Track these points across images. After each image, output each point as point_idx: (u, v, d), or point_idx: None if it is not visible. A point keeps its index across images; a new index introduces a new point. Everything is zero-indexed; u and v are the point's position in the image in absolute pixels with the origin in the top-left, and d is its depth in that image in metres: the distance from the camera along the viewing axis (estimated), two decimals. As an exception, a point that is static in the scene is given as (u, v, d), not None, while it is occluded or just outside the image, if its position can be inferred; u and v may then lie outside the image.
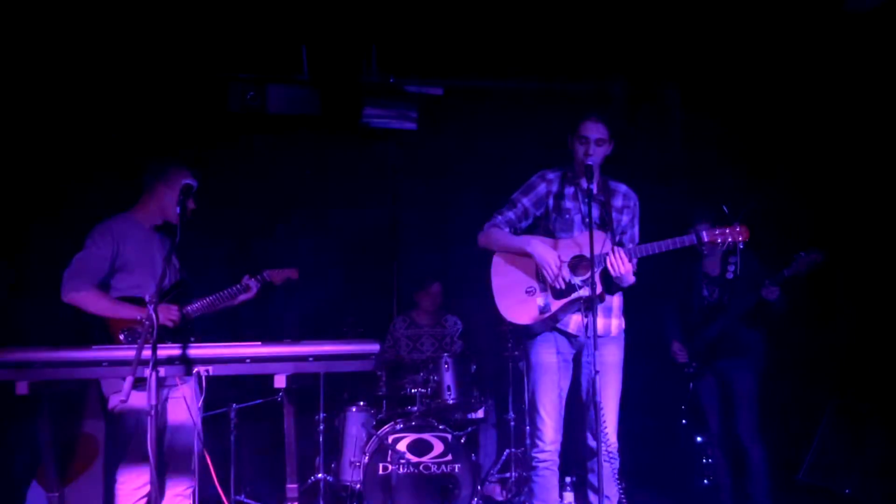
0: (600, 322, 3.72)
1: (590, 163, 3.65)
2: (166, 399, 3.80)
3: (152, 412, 2.84)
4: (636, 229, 3.87)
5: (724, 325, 4.77)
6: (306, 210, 6.02)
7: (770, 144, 5.61)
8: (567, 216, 3.78)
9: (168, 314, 3.73)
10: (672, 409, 5.32)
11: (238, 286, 4.05)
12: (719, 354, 4.80)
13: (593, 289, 3.46)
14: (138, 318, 3.65)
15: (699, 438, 5.54)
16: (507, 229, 3.84)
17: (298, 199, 6.00)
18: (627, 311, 3.87)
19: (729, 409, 4.79)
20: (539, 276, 3.73)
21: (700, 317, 4.91)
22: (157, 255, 3.85)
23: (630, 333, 3.88)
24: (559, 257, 3.67)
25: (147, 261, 3.78)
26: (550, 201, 3.82)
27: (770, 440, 4.69)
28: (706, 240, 3.56)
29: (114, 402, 3.62)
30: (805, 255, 4.49)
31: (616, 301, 3.82)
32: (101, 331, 3.63)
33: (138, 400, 3.44)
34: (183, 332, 3.78)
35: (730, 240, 3.58)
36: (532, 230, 3.87)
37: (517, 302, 3.75)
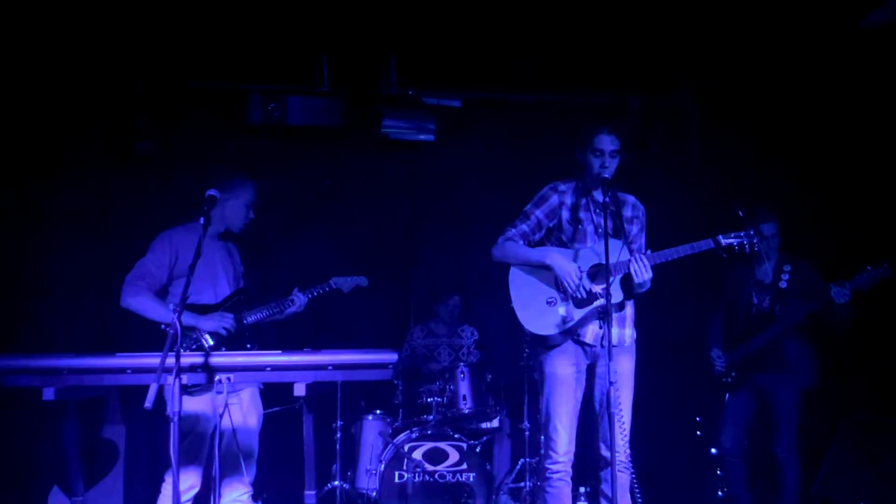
0: (615, 332, 3.74)
1: (606, 175, 3.71)
2: (226, 404, 3.86)
3: (175, 419, 2.89)
4: (644, 239, 3.92)
5: (773, 335, 4.66)
6: (325, 220, 6.08)
7: (785, 154, 5.62)
8: (580, 227, 3.83)
9: (222, 322, 3.81)
10: (686, 419, 5.31)
11: (285, 300, 4.12)
12: (762, 367, 4.70)
13: (608, 298, 3.50)
14: (194, 324, 3.74)
15: (714, 450, 5.52)
16: (521, 242, 3.88)
17: (318, 209, 6.06)
18: (640, 321, 3.90)
19: (766, 424, 4.72)
20: (559, 286, 3.76)
21: (746, 325, 4.79)
22: (218, 264, 3.95)
23: (644, 343, 3.91)
24: (578, 268, 3.71)
25: (207, 269, 3.87)
26: (563, 213, 3.86)
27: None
28: (724, 244, 3.60)
29: (170, 408, 3.67)
30: (872, 270, 4.37)
31: (629, 311, 3.86)
32: (156, 336, 3.70)
33: (195, 404, 3.54)
34: (239, 341, 3.86)
35: (745, 242, 3.62)
36: (545, 241, 3.91)
37: (539, 313, 3.78)
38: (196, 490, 3.76)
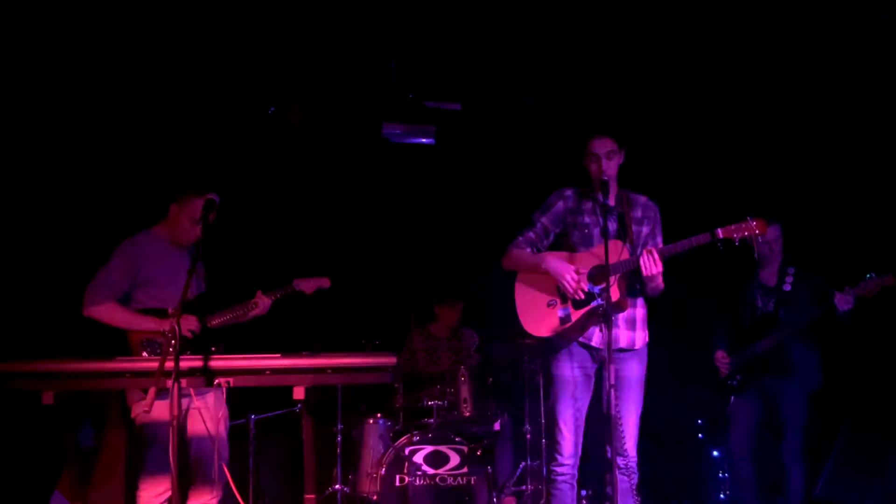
0: (624, 335, 3.76)
1: (605, 178, 3.71)
2: (187, 410, 3.85)
3: (174, 423, 2.89)
4: (659, 239, 3.89)
5: (778, 339, 4.62)
6: (326, 224, 6.09)
7: (786, 156, 5.61)
8: (586, 231, 3.83)
9: (187, 324, 3.78)
10: (688, 422, 5.28)
11: (249, 302, 4.06)
12: (767, 370, 4.67)
13: (608, 299, 3.50)
14: (158, 329, 3.70)
15: (716, 453, 5.51)
16: (528, 249, 3.90)
17: (318, 213, 6.07)
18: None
19: (772, 428, 4.69)
20: (559, 289, 3.77)
21: (751, 328, 4.76)
22: (179, 270, 3.90)
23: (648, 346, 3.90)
24: (577, 270, 3.71)
25: (170, 275, 3.85)
26: (569, 218, 3.88)
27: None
28: (721, 236, 3.55)
29: (137, 411, 3.68)
30: (876, 277, 4.34)
31: (640, 313, 3.84)
32: (121, 343, 3.69)
33: (161, 410, 3.51)
34: (203, 344, 3.83)
35: (745, 234, 3.55)
36: (554, 247, 3.92)
37: (539, 316, 3.80)
38: (169, 494, 3.74)
